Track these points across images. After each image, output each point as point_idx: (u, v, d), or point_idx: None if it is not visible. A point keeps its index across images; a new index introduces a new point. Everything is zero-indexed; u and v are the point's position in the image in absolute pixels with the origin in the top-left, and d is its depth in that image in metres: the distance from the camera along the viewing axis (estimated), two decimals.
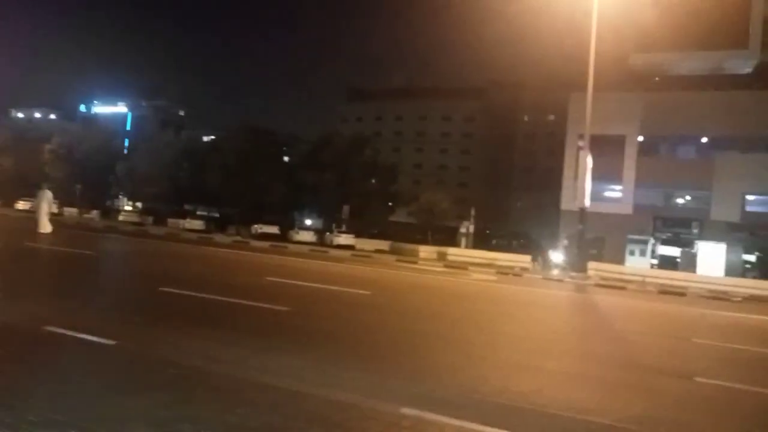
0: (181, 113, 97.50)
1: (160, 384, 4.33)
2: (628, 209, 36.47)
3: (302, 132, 62.61)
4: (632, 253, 37.01)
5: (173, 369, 4.79)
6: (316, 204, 49.18)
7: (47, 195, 20.43)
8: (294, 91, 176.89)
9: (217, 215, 53.90)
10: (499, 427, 4.04)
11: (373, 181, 48.95)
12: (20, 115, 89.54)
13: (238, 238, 38.83)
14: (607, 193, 37.42)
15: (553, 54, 34.33)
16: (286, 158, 53.00)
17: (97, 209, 55.10)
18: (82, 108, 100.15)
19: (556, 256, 35.50)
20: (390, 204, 50.32)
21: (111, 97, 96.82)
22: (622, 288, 22.90)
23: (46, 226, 19.71)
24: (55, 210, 18.92)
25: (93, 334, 5.64)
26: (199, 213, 54.53)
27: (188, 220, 47.72)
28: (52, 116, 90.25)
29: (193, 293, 9.98)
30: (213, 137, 57.46)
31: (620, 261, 34.74)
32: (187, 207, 55.59)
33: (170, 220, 48.09)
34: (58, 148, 60.38)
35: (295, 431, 3.59)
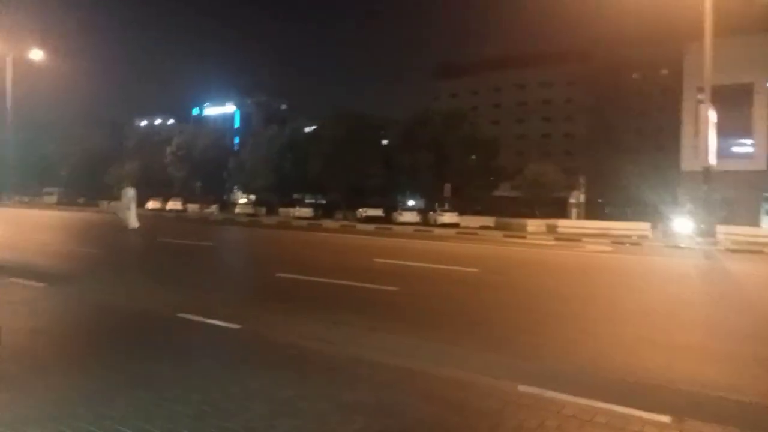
0: (284, 107, 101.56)
1: (279, 364, 4.55)
2: (761, 165, 32.83)
3: (398, 113, 62.80)
4: None
5: (291, 350, 5.02)
6: (415, 184, 49.18)
7: (131, 193, 22.35)
8: (388, 73, 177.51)
9: (323, 202, 55.80)
10: (624, 405, 3.81)
11: (473, 157, 47.98)
12: (143, 122, 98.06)
13: (345, 222, 39.95)
14: (736, 149, 33.88)
15: (660, 2, 31.41)
16: (384, 141, 53.40)
17: (215, 203, 59.26)
18: (195, 111, 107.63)
19: (679, 221, 32.90)
20: (492, 179, 49.16)
21: (219, 98, 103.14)
22: (758, 252, 20.77)
23: (134, 222, 21.63)
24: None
25: (220, 319, 6.06)
26: (307, 201, 56.83)
27: (297, 208, 49.90)
28: (171, 121, 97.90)
29: (307, 277, 10.41)
30: (314, 127, 59.24)
31: (755, 223, 31.45)
32: (295, 196, 58.10)
33: (281, 209, 50.57)
34: (178, 150, 65.49)
35: (411, 409, 3.61)
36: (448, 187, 41.15)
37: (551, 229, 31.84)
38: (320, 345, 5.28)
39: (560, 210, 39.52)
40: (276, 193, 57.06)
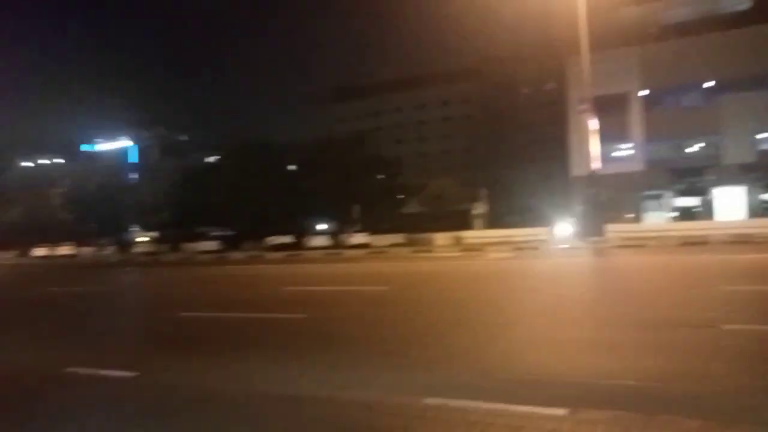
0: (184, 138, 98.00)
1: (177, 409, 4.31)
2: (639, 166, 36.00)
3: (302, 138, 62.52)
4: (649, 209, 36.56)
5: (192, 393, 4.78)
6: (323, 208, 49.09)
7: None
8: (289, 99, 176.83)
9: (230, 234, 54.12)
10: (524, 404, 3.97)
11: (379, 176, 48.79)
12: (26, 164, 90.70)
13: (254, 252, 38.97)
14: (617, 153, 36.93)
15: (543, 21, 33.91)
16: (290, 167, 52.98)
17: (113, 245, 55.67)
18: (86, 147, 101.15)
19: (572, 224, 35.19)
20: (399, 197, 50.16)
21: (112, 132, 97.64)
22: (643, 246, 22.62)
23: None
24: None
25: (114, 369, 5.66)
26: (213, 234, 54.83)
27: (202, 242, 48.04)
28: (58, 160, 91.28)
29: (212, 314, 10.01)
30: (216, 158, 57.65)
31: (638, 219, 34.34)
32: (199, 230, 55.88)
33: (184, 245, 48.43)
34: (67, 191, 61.08)
35: None
36: (357, 207, 41.45)
37: (457, 241, 32.86)
38: (224, 384, 5.06)
39: (464, 222, 40.92)
40: (179, 229, 54.61)
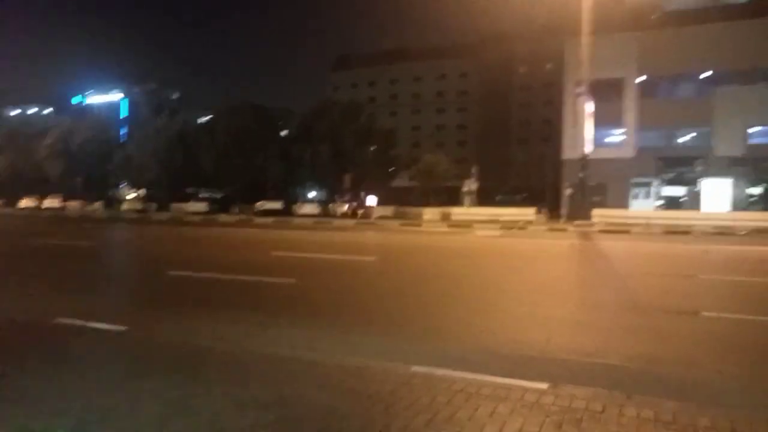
0: (175, 96, 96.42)
1: (169, 364, 4.39)
2: (630, 153, 36.22)
3: (297, 105, 61.89)
4: (636, 196, 36.91)
5: (183, 349, 4.86)
6: (315, 176, 48.92)
7: None
8: (286, 64, 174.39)
9: (219, 196, 53.85)
10: (507, 377, 4.10)
11: (372, 148, 48.57)
12: (14, 112, 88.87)
13: (242, 216, 38.92)
14: (609, 139, 37.08)
15: (546, 1, 33.58)
16: (282, 133, 52.46)
17: (100, 200, 55.18)
18: (75, 99, 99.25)
19: (560, 206, 35.48)
20: (390, 170, 50.06)
21: (103, 86, 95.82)
22: (627, 231, 22.92)
23: None
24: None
25: (103, 322, 5.72)
26: (202, 195, 54.52)
27: (191, 203, 47.80)
28: (47, 111, 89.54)
29: (200, 274, 10.07)
30: (207, 118, 56.78)
31: (625, 206, 34.68)
32: (189, 191, 55.52)
33: (173, 205, 48.19)
34: (55, 143, 60.03)
35: (305, 399, 3.65)
36: (347, 178, 41.37)
37: (445, 217, 33.06)
38: (213, 342, 5.15)
39: (454, 198, 41.10)
40: (168, 188, 54.17)
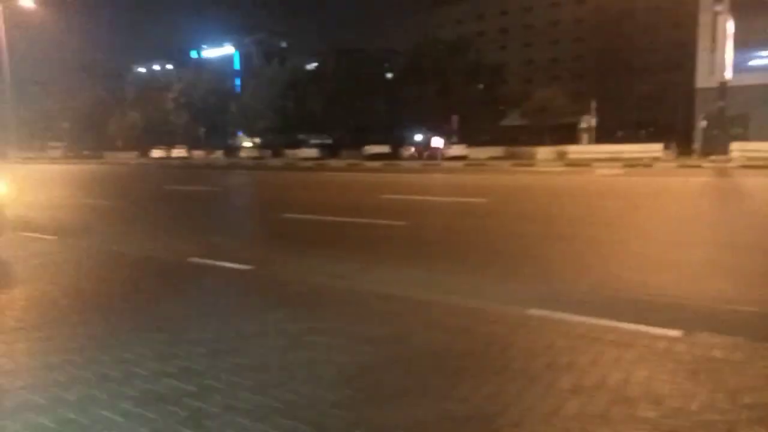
0: (284, 44, 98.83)
1: (291, 301, 4.60)
2: None
3: (401, 44, 60.63)
4: None
5: (303, 287, 5.07)
6: (420, 117, 48.35)
7: None
8: (390, 2, 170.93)
9: (329, 142, 55.34)
10: (634, 322, 3.83)
11: (480, 85, 46.82)
12: (142, 70, 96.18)
13: (352, 161, 39.77)
14: (754, 62, 32.69)
15: None
16: (388, 74, 52.10)
17: (220, 149, 59.02)
18: (193, 54, 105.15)
19: (693, 141, 32.33)
20: (501, 108, 48.17)
21: (217, 39, 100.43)
22: None
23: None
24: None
25: (231, 261, 6.11)
26: (312, 141, 56.39)
27: (303, 149, 49.57)
28: (170, 66, 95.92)
29: (315, 216, 10.43)
30: (315, 64, 57.78)
31: None
32: (300, 137, 57.61)
33: (286, 151, 50.35)
34: (179, 96, 64.56)
35: (420, 337, 3.65)
36: (455, 119, 40.48)
37: (561, 156, 31.49)
38: (331, 281, 5.32)
39: (570, 136, 38.85)
40: (280, 135, 56.57)
